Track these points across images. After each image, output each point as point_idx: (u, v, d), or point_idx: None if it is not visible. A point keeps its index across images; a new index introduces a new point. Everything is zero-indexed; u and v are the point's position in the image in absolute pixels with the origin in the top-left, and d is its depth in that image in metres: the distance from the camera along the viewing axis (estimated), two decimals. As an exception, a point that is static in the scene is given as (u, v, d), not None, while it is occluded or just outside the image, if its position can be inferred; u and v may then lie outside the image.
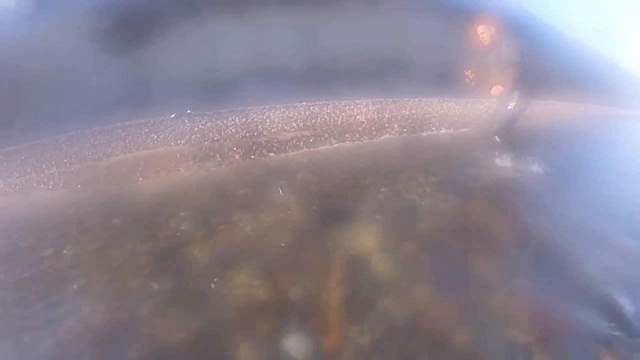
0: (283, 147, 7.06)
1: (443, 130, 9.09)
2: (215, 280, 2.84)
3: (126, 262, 3.38)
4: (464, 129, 9.57)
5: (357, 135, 7.90)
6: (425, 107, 13.42)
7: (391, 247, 3.08)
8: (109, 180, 5.64)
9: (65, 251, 3.68)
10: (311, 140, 7.34)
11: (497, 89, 4.34)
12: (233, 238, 3.47)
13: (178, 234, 3.83)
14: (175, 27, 27.58)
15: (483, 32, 4.50)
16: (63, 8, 28.21)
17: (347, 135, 7.83)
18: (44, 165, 8.22)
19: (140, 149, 8.11)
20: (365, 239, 3.19)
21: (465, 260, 3.03)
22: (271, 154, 6.36)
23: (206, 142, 7.84)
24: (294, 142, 7.27)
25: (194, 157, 6.51)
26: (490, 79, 4.39)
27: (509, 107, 4.54)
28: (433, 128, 8.96)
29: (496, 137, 4.93)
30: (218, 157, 6.43)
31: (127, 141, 9.46)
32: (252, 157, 6.29)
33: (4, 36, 28.05)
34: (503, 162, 5.09)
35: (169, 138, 8.93)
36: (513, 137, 5.03)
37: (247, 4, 29.47)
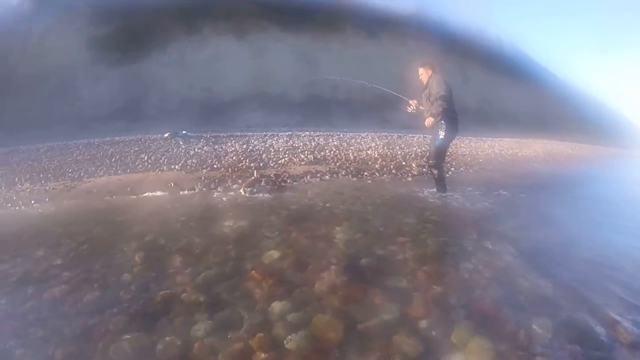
0: (297, 182, 6.11)
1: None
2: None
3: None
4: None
5: (377, 174, 6.99)
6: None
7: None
8: (86, 212, 4.55)
9: None
10: (327, 177, 6.41)
11: (429, 121, 4.87)
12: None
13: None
14: (175, 43, 26.95)
15: (422, 74, 5.08)
16: (61, 12, 27.43)
17: (365, 174, 6.94)
18: (17, 179, 7.11)
19: (128, 170, 7.07)
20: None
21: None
22: (288, 193, 5.35)
23: (204, 170, 6.86)
24: (307, 177, 6.34)
25: (190, 188, 5.51)
26: (425, 112, 4.99)
27: (439, 136, 4.89)
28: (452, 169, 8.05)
29: (431, 167, 5.21)
30: (220, 189, 5.44)
31: (113, 159, 8.43)
32: (260, 194, 5.31)
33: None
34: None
35: (161, 161, 7.92)
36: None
37: (250, 27, 29.10)
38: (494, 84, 44.68)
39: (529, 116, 46.03)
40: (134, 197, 5.17)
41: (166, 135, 12.45)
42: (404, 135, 17.00)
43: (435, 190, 5.23)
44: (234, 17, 30.81)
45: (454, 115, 4.93)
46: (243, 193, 5.17)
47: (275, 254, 3.04)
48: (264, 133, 13.86)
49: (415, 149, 11.83)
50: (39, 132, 22.36)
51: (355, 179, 6.54)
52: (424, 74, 5.08)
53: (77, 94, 26.45)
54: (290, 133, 13.67)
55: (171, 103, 26.74)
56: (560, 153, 18.87)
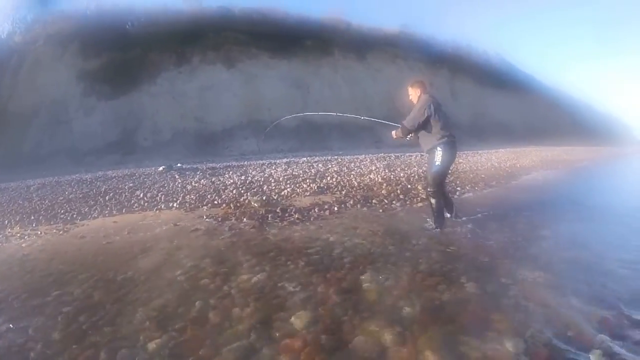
0: (305, 217, 5.74)
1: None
2: None
3: None
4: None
5: (386, 201, 6.65)
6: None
7: None
8: (78, 262, 4.13)
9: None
10: (335, 209, 6.07)
11: (395, 134, 5.07)
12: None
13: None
14: (165, 73, 26.86)
15: (411, 94, 5.04)
16: (50, 46, 27.34)
17: (373, 201, 6.62)
18: (6, 221, 6.72)
19: (124, 210, 6.69)
20: None
21: None
22: (296, 229, 4.97)
23: (205, 207, 6.50)
24: (315, 210, 5.99)
25: (195, 229, 5.12)
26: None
27: (435, 163, 4.71)
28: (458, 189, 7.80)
29: (429, 196, 4.97)
30: (225, 228, 5.06)
31: (107, 198, 8.05)
32: (267, 229, 4.95)
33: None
34: None
35: (158, 198, 7.56)
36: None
37: (239, 55, 29.20)
38: (483, 97, 45.28)
39: (520, 125, 46.62)
40: (131, 242, 4.78)
41: (161, 169, 12.11)
42: (401, 155, 16.83)
43: (433, 225, 4.86)
44: (223, 46, 31.13)
45: (451, 139, 4.71)
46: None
47: (305, 315, 2.69)
48: (261, 162, 13.60)
49: (415, 169, 11.59)
50: (31, 166, 21.95)
51: (365, 208, 6.21)
52: (413, 94, 4.99)
53: (69, 127, 26.37)
54: (287, 160, 13.43)
55: (164, 134, 26.96)
56: (556, 159, 18.85)
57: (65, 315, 2.95)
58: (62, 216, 6.72)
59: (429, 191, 4.87)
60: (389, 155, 17.00)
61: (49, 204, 8.07)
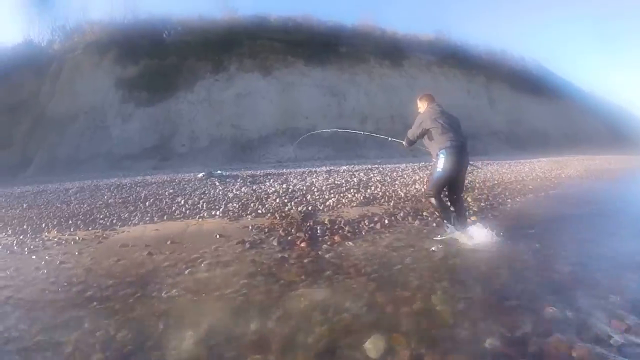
0: (356, 230, 5.35)
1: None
2: None
3: None
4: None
5: (437, 214, 6.17)
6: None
7: None
8: (119, 274, 3.88)
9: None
10: (386, 222, 5.65)
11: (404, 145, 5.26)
12: None
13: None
14: (202, 81, 27.10)
15: (420, 107, 5.14)
16: (89, 53, 28.12)
17: (424, 214, 6.16)
18: (44, 224, 6.64)
19: (165, 217, 6.50)
20: None
21: None
22: (349, 243, 4.60)
23: (249, 217, 6.22)
24: (366, 222, 5.60)
25: (239, 240, 4.81)
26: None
27: (437, 169, 4.64)
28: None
29: (427, 197, 5.02)
30: (274, 242, 4.72)
31: (147, 204, 7.93)
32: (318, 244, 4.59)
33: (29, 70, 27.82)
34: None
35: (199, 205, 7.35)
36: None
37: (275, 63, 29.23)
38: (520, 104, 43.72)
39: (557, 133, 44.70)
40: (175, 254, 4.51)
41: (200, 175, 12.04)
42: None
43: (447, 229, 4.83)
44: (259, 54, 31.26)
45: (457, 144, 4.61)
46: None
47: (378, 341, 2.33)
48: (300, 170, 13.33)
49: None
50: (69, 170, 22.59)
51: (417, 222, 5.76)
52: (421, 106, 5.11)
53: (107, 133, 26.97)
54: (328, 169, 13.10)
55: (201, 141, 27.13)
56: (600, 169, 17.78)
57: (104, 332, 2.69)
58: (101, 221, 6.59)
59: (428, 192, 4.88)
60: (429, 164, 16.36)
61: (88, 208, 8.02)
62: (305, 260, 4.03)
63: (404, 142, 5.28)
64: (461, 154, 4.63)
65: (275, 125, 27.87)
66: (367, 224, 5.58)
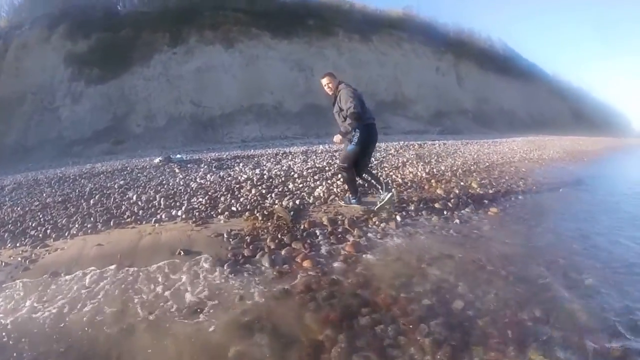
0: (366, 233, 4.09)
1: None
2: None
3: None
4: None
5: (451, 205, 5.06)
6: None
7: None
8: (40, 339, 2.47)
9: None
10: (399, 219, 4.42)
11: (337, 138, 4.89)
12: None
13: None
14: (159, 55, 24.76)
15: (328, 83, 4.96)
16: (37, 28, 24.98)
17: (436, 206, 4.98)
18: None
19: (112, 223, 4.88)
20: None
21: None
22: (367, 256, 3.34)
23: (222, 217, 4.81)
24: (375, 222, 4.34)
25: (215, 260, 3.42)
26: (340, 127, 4.90)
27: (352, 144, 4.76)
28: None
29: (340, 170, 5.18)
30: (264, 260, 3.32)
31: (92, 202, 6.35)
32: (325, 261, 3.31)
33: None
34: None
35: (155, 202, 5.86)
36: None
37: (239, 35, 27.18)
38: (488, 83, 43.81)
39: (524, 113, 45.53)
40: (125, 295, 3.08)
41: (157, 160, 10.35)
42: (423, 144, 15.20)
43: (350, 199, 5.12)
44: (221, 26, 28.84)
45: (372, 122, 4.88)
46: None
47: None
48: (272, 151, 11.90)
49: (451, 160, 10.02)
50: (15, 159, 19.94)
51: (434, 217, 4.63)
52: (330, 82, 4.93)
53: (56, 115, 24.35)
54: (304, 150, 11.71)
55: (158, 120, 24.76)
56: (576, 150, 17.88)
57: None
58: (32, 232, 4.98)
59: (341, 166, 4.99)
60: (410, 143, 15.35)
61: (21, 212, 6.31)
62: (319, 295, 2.75)
63: (345, 124, 4.75)
64: (375, 130, 4.90)
65: (239, 102, 25.98)
66: (376, 222, 4.38)
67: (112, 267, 3.51)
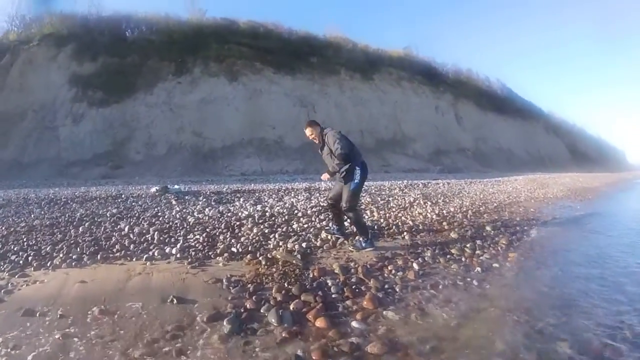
0: (383, 284, 3.68)
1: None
2: None
3: None
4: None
5: (468, 250, 4.60)
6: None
7: None
8: None
9: None
10: (416, 267, 4.00)
11: (324, 176, 5.05)
12: None
13: None
14: (163, 83, 24.74)
15: (311, 133, 5.08)
16: (45, 46, 24.99)
17: (452, 251, 4.59)
18: None
19: (99, 256, 4.42)
20: None
21: None
22: (388, 314, 2.90)
23: (220, 259, 4.38)
24: (391, 271, 3.92)
25: (213, 315, 2.96)
26: (329, 167, 5.02)
27: (355, 181, 4.82)
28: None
29: (346, 212, 4.99)
30: (271, 317, 2.85)
31: (80, 230, 5.88)
32: (345, 326, 2.85)
33: None
34: None
35: (148, 236, 5.41)
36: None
37: (243, 69, 27.40)
38: (486, 122, 44.38)
39: (521, 151, 46.01)
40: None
41: (154, 190, 9.92)
42: (428, 183, 14.93)
43: (362, 243, 4.85)
44: (226, 59, 29.37)
45: (363, 160, 5.03)
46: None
47: None
48: (274, 186, 11.55)
49: (458, 201, 9.68)
50: (11, 175, 19.28)
51: (454, 265, 4.23)
52: (313, 133, 5.07)
53: (55, 134, 24.16)
54: (307, 186, 11.35)
55: (158, 148, 24.62)
56: (579, 188, 17.92)
57: None
58: (13, 257, 4.51)
59: (346, 207, 4.89)
60: (415, 182, 15.05)
61: (5, 232, 5.86)
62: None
63: (333, 165, 4.88)
64: (367, 168, 5.07)
65: (241, 135, 25.86)
66: (392, 271, 3.96)
67: (95, 309, 3.03)
